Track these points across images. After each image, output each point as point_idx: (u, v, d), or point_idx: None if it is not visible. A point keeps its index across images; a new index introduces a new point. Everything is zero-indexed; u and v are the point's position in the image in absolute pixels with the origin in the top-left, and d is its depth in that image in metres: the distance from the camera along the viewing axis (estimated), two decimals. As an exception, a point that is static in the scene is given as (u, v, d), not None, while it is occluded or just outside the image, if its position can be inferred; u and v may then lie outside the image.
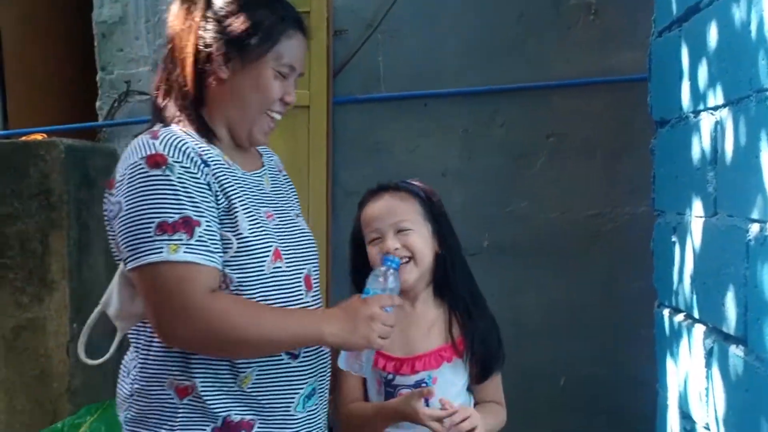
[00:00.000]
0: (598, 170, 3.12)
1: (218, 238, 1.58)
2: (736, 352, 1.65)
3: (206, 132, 1.67)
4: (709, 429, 1.82)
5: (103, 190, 1.65)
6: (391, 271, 1.76)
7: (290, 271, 1.67)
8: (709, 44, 1.81)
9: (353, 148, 3.23)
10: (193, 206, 1.54)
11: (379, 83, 3.22)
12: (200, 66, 1.65)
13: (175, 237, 1.52)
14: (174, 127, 1.66)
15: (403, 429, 1.89)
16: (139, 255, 1.53)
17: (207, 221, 1.56)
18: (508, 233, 3.15)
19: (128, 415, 1.68)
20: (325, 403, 1.77)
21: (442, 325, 1.99)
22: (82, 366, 2.83)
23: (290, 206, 1.82)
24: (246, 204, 1.64)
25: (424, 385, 1.92)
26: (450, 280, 2.00)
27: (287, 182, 1.90)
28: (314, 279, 1.76)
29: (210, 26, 1.64)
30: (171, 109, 1.68)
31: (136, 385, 1.67)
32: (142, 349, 1.67)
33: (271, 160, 1.88)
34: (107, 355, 1.76)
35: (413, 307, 1.99)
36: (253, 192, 1.68)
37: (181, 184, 1.55)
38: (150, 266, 1.53)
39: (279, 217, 1.71)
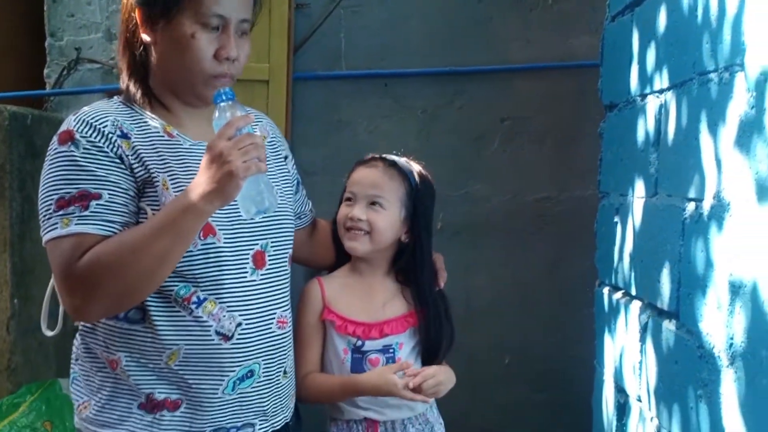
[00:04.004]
0: (549, 154, 3.16)
1: (127, 209, 1.53)
2: (668, 326, 1.70)
3: (152, 101, 1.64)
4: (640, 401, 1.88)
5: None
6: (224, 105, 1.51)
7: (230, 247, 1.58)
8: (658, 28, 1.85)
9: (312, 125, 3.20)
10: (93, 180, 1.51)
11: (340, 60, 3.20)
12: (129, 34, 1.61)
13: (69, 211, 1.49)
14: (113, 99, 1.64)
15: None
16: (43, 233, 1.53)
17: (110, 193, 1.51)
18: (461, 214, 3.18)
19: (75, 376, 1.70)
20: (272, 383, 1.69)
21: (401, 298, 2.03)
22: (22, 344, 2.77)
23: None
24: (178, 175, 1.56)
25: (391, 351, 1.95)
26: (412, 270, 2.04)
27: (269, 148, 1.76)
28: (271, 255, 1.67)
29: None
30: (124, 80, 1.66)
31: (79, 350, 1.69)
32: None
33: (254, 126, 1.61)
34: (58, 328, 1.75)
35: (374, 275, 2.04)
36: (197, 163, 1.52)
37: (83, 158, 1.51)
38: (49, 243, 1.52)
39: None
